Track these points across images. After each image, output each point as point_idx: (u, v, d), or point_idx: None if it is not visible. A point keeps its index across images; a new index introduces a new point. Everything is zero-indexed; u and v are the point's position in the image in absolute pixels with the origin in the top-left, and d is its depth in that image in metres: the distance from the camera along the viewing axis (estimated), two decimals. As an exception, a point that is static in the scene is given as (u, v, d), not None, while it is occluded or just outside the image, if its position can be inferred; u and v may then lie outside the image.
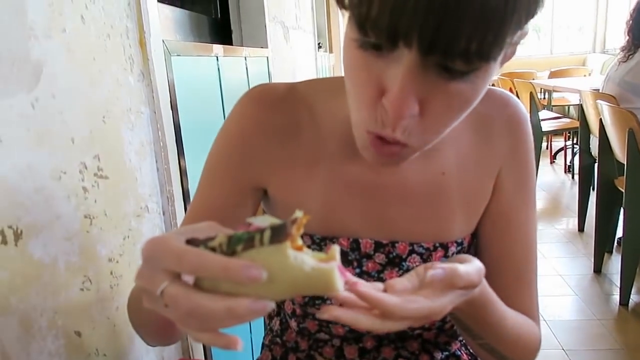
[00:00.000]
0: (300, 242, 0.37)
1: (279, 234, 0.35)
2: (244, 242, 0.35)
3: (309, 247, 0.66)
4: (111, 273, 0.76)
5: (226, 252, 0.35)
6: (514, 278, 0.67)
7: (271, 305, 0.35)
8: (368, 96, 0.47)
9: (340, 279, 0.36)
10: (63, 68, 0.66)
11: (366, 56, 0.45)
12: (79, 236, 0.68)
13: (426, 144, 0.51)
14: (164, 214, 0.95)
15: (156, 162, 0.92)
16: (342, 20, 4.01)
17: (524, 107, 0.68)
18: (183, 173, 1.01)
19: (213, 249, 0.36)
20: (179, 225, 0.97)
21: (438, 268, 0.44)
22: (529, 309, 0.67)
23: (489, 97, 0.66)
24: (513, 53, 0.51)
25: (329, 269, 0.35)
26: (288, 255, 0.35)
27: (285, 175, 0.65)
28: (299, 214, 0.36)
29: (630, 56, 2.32)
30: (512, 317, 0.60)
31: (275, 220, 0.37)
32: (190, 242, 0.37)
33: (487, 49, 0.40)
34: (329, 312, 0.42)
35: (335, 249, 0.38)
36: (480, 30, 0.38)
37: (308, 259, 0.36)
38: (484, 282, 0.52)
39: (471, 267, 0.47)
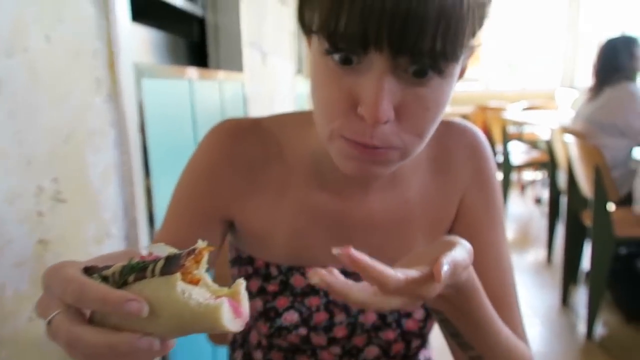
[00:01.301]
0: (201, 274, 0.35)
1: (170, 265, 0.33)
2: (137, 272, 0.34)
3: (274, 277, 0.65)
4: (65, 301, 0.72)
5: (118, 281, 0.34)
6: (492, 302, 0.66)
7: (158, 344, 0.33)
8: (340, 108, 0.48)
9: (230, 317, 0.34)
10: (24, 87, 0.64)
11: (336, 71, 0.47)
12: (31, 263, 0.65)
13: (409, 147, 0.50)
14: (127, 239, 0.92)
15: (121, 185, 0.90)
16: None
17: (481, 133, 0.70)
18: (149, 196, 0.98)
19: (106, 278, 0.34)
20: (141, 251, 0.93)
21: (444, 264, 0.42)
22: (514, 331, 0.66)
23: (448, 127, 0.67)
24: (465, 70, 0.54)
25: (215, 306, 0.33)
26: (176, 289, 0.33)
27: (252, 207, 0.65)
28: (200, 244, 0.34)
29: (597, 95, 2.41)
30: (504, 328, 0.57)
31: (173, 251, 0.35)
32: (87, 270, 0.35)
33: (450, 47, 0.43)
34: (321, 277, 0.40)
35: (240, 284, 0.36)
36: (442, 28, 0.42)
37: (198, 293, 0.33)
38: (471, 269, 0.49)
39: (464, 251, 0.46)
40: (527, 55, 6.14)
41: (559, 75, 6.04)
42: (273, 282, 0.66)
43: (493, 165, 0.69)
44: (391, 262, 0.65)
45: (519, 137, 4.69)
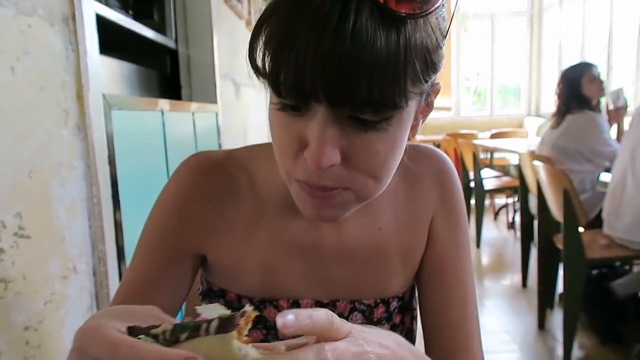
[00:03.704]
0: (246, 336, 0.36)
1: (226, 324, 0.34)
2: (189, 330, 0.34)
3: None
4: (27, 343, 0.69)
5: (169, 340, 0.34)
6: (453, 329, 0.66)
7: None
8: (292, 151, 0.49)
9: None
10: (-14, 120, 0.62)
11: (286, 117, 0.48)
12: (-10, 303, 0.62)
13: (364, 189, 0.50)
14: (94, 274, 0.89)
15: (89, 219, 0.87)
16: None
17: (448, 159, 0.71)
18: (119, 229, 0.96)
19: (155, 337, 0.34)
20: (110, 287, 0.90)
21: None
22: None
23: (416, 153, 0.68)
24: (430, 107, 0.54)
25: None
26: (233, 347, 0.33)
27: (224, 241, 0.64)
28: (248, 308, 0.35)
29: (560, 122, 2.49)
30: None
31: (224, 311, 0.36)
32: (132, 330, 0.35)
33: (389, 96, 0.42)
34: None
35: (281, 345, 0.38)
36: (377, 79, 0.41)
37: (253, 351, 0.34)
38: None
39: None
40: (495, 85, 6.35)
41: (525, 103, 6.26)
42: None
43: (460, 191, 0.70)
44: (368, 292, 0.65)
45: (490, 163, 4.79)
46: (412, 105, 0.48)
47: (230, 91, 2.13)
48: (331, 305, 0.64)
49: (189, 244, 0.63)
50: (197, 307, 0.37)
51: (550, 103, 5.58)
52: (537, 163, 2.31)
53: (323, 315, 0.38)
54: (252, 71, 0.48)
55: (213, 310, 0.36)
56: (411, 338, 0.71)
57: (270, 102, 0.49)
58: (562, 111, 2.45)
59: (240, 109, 2.34)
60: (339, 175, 0.48)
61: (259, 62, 0.46)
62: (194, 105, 1.53)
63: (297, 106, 0.46)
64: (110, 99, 0.95)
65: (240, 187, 0.65)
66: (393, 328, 0.68)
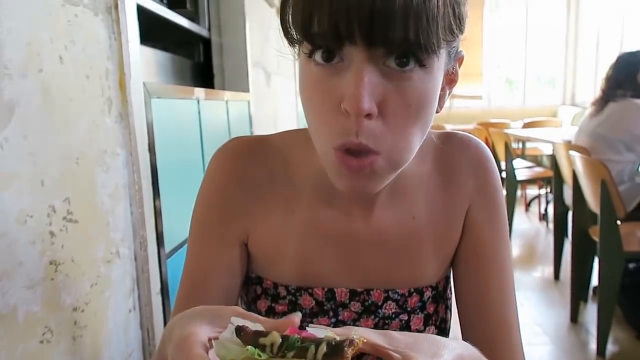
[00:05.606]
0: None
1: (334, 353, 0.34)
2: (297, 350, 0.35)
3: (282, 298, 0.65)
4: (75, 323, 0.72)
5: (275, 354, 0.35)
6: (492, 319, 0.65)
7: None
8: (327, 109, 0.49)
9: None
10: (37, 108, 0.64)
11: (320, 74, 0.49)
12: (42, 284, 0.64)
13: (395, 151, 0.50)
14: (136, 259, 0.91)
15: (130, 205, 0.89)
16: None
17: (485, 147, 0.69)
18: (158, 215, 0.98)
19: (263, 347, 0.36)
20: (150, 271, 0.93)
21: None
22: (513, 352, 0.65)
23: (451, 140, 0.68)
24: (455, 78, 0.55)
25: None
26: None
27: (262, 227, 0.65)
28: (355, 335, 0.36)
29: (601, 110, 2.41)
30: None
31: (331, 335, 0.37)
32: (240, 331, 0.37)
33: (424, 38, 0.44)
34: None
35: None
36: (412, 19, 0.43)
37: None
38: None
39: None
40: (528, 73, 6.18)
41: (560, 93, 6.08)
42: (282, 303, 0.65)
43: (497, 179, 0.68)
44: (401, 281, 0.65)
45: (522, 154, 4.69)
46: (442, 62, 0.49)
47: (261, 80, 2.14)
48: (365, 293, 0.64)
49: (235, 230, 0.65)
50: (307, 326, 0.39)
51: (586, 92, 5.41)
52: (573, 153, 2.24)
53: None
54: (283, 41, 0.50)
55: (319, 332, 0.37)
56: (445, 328, 0.70)
57: (302, 67, 0.51)
58: (605, 98, 2.35)
59: (271, 98, 2.34)
60: (374, 131, 0.48)
61: (290, 17, 0.48)
62: (227, 94, 1.54)
63: (331, 56, 0.47)
64: (150, 87, 0.97)
65: (276, 172, 0.65)
66: (427, 317, 0.67)
